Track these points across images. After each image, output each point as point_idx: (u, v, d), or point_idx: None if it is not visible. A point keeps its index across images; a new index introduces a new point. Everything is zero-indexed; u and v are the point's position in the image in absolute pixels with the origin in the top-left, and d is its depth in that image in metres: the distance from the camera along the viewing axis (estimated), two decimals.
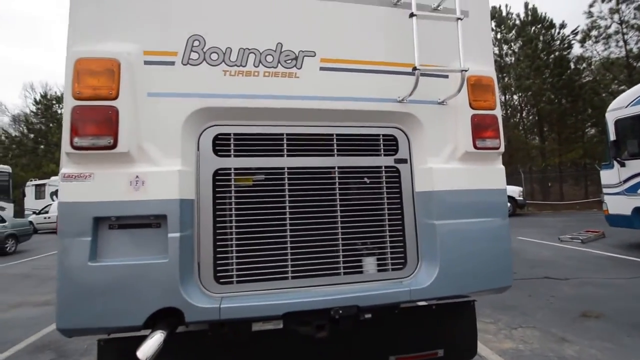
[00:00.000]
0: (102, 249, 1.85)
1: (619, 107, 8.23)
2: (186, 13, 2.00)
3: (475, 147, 2.27)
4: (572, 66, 24.01)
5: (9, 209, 17.41)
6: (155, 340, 1.67)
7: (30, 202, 22.29)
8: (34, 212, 19.85)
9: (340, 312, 1.98)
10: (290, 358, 2.21)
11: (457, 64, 2.10)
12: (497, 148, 2.34)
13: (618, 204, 8.14)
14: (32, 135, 33.88)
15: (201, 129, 2.05)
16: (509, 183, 2.70)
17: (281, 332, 2.09)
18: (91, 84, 1.85)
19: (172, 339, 1.81)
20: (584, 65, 24.10)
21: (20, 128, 35.12)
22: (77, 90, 1.84)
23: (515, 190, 16.17)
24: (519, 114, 28.32)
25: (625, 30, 21.19)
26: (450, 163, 2.28)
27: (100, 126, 1.84)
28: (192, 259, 1.96)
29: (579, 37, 23.36)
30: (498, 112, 2.37)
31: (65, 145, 1.84)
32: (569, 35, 24.23)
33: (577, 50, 24.27)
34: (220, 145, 2.08)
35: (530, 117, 27.87)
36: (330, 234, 2.18)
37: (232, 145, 2.09)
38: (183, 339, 2.08)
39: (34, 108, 34.62)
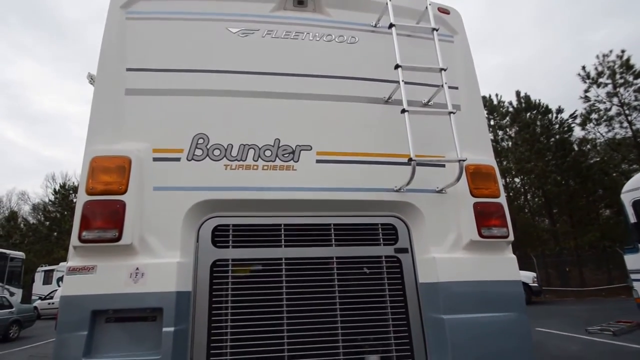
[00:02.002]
0: (97, 344, 1.82)
1: (635, 188, 7.83)
2: (192, 114, 2.22)
3: (481, 235, 2.22)
4: (576, 148, 23.80)
5: (18, 294, 17.27)
6: None
7: (38, 287, 22.02)
8: (40, 298, 19.51)
9: None
10: None
11: (454, 153, 2.14)
12: (506, 237, 2.28)
13: None
14: (47, 223, 34.89)
15: (201, 220, 2.12)
16: (520, 268, 2.59)
17: None
18: (103, 180, 1.99)
19: None
20: (589, 146, 23.85)
21: (38, 216, 36.35)
22: (90, 186, 1.97)
23: (528, 276, 14.90)
24: (522, 197, 27.51)
25: (627, 111, 21.21)
26: (455, 252, 2.22)
27: (108, 219, 1.92)
28: (185, 354, 1.88)
29: (578, 120, 23.47)
30: (503, 201, 2.35)
31: (74, 239, 1.91)
32: (567, 119, 24.47)
33: (578, 132, 24.28)
34: (219, 236, 2.13)
35: (536, 199, 27.04)
36: (330, 329, 2.07)
37: (230, 236, 2.13)
38: None
39: (52, 197, 36.02)
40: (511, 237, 2.30)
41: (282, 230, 2.19)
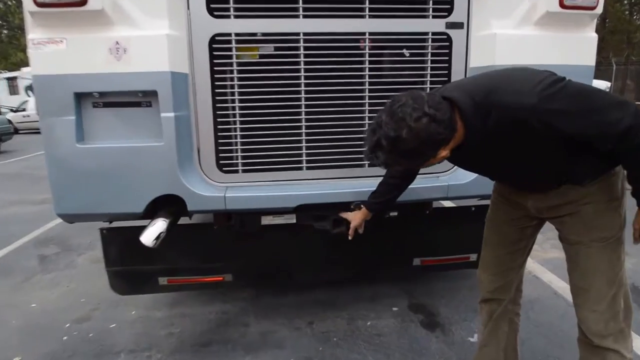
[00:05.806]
0: (89, 130, 1.94)
1: None
2: None
3: (562, 5, 2.04)
4: None
5: None
6: (157, 227, 1.87)
7: (4, 98, 23.03)
8: (12, 110, 20.64)
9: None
10: (303, 255, 2.40)
11: None
12: (593, 8, 2.09)
13: None
14: None
15: None
16: (594, 77, 2.51)
17: (293, 228, 2.22)
18: None
19: (176, 229, 1.98)
20: None
21: None
22: None
23: (600, 85, 15.35)
24: None
25: None
26: (522, 28, 2.09)
27: None
28: (190, 143, 2.03)
29: None
30: None
31: (28, 3, 1.80)
32: None
33: None
34: (217, 1, 1.97)
35: None
36: (355, 119, 2.15)
37: (231, 2, 1.97)
38: (187, 231, 2.29)
39: None
40: (599, 9, 2.11)
41: None
